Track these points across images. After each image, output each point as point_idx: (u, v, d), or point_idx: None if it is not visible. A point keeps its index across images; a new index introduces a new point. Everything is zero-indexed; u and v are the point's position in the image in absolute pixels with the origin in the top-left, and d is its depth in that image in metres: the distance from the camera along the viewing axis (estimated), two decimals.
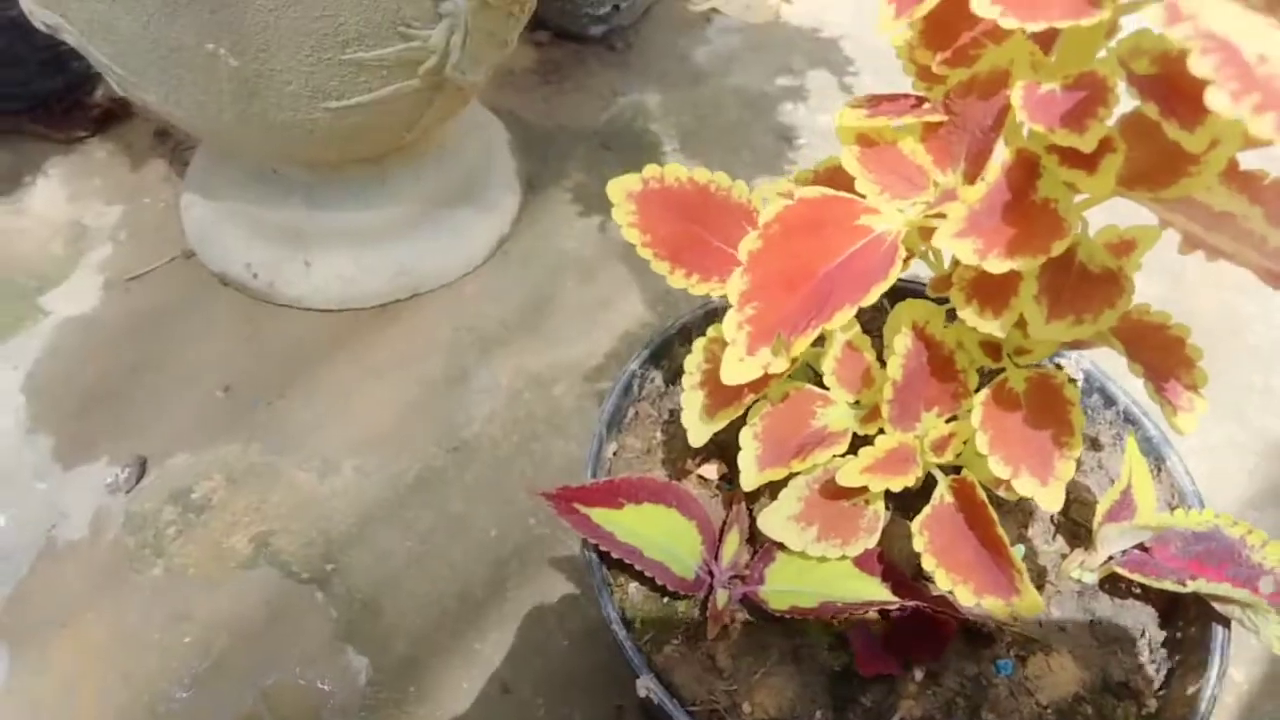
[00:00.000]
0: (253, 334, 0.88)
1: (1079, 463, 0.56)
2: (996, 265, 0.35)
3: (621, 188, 0.49)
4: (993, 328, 0.38)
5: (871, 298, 0.37)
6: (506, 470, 0.80)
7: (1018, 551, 0.47)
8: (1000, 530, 0.41)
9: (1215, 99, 0.24)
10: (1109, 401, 0.59)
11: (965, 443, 0.44)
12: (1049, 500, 0.39)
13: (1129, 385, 0.58)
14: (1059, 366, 0.60)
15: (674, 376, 0.61)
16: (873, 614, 0.48)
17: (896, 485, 0.43)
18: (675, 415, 0.59)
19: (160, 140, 1.04)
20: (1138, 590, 0.52)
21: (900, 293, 0.47)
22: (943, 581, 0.42)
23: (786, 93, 1.18)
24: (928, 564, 0.42)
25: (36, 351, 0.85)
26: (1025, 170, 0.36)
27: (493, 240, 0.96)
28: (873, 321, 0.54)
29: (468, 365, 0.87)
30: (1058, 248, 0.35)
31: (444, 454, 0.81)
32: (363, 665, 0.69)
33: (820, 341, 0.49)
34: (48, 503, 0.76)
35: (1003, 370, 0.43)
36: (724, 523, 0.50)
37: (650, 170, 0.49)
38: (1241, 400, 0.88)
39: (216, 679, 0.67)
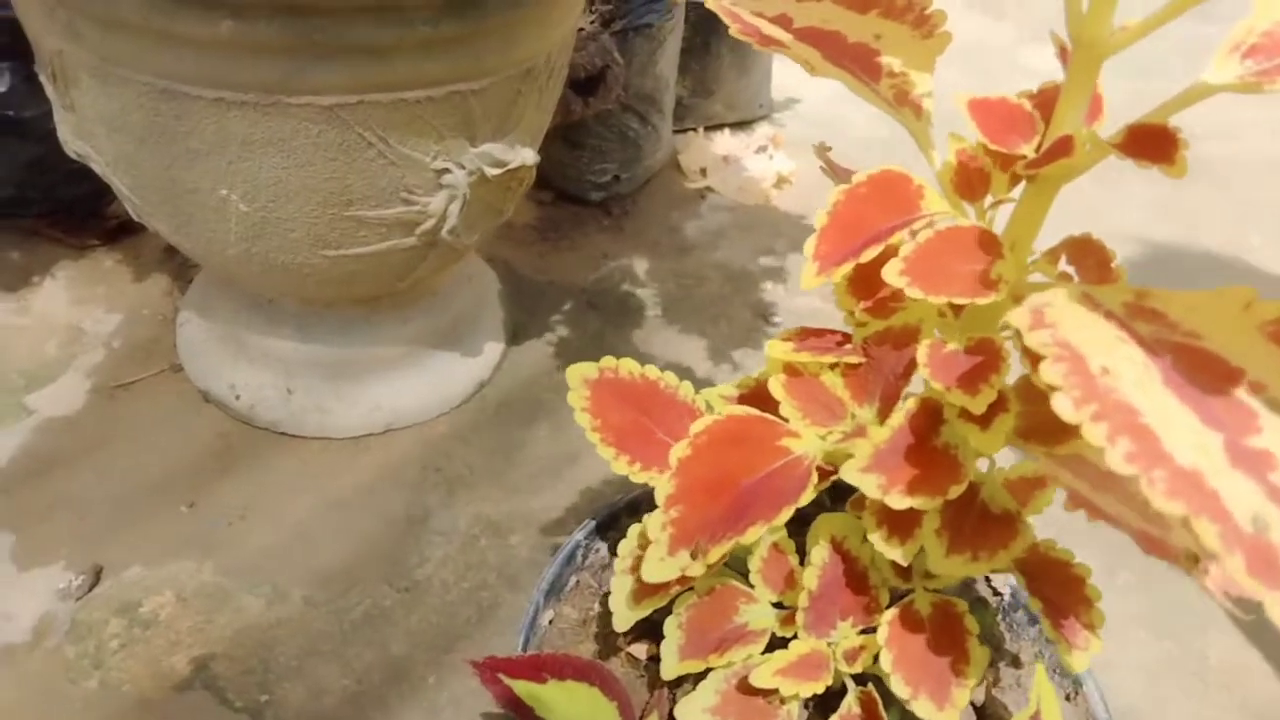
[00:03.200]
0: (225, 452, 0.91)
1: (997, 679, 0.58)
2: (897, 501, 0.39)
3: (579, 374, 0.53)
4: (897, 555, 0.41)
5: (782, 518, 0.40)
6: (452, 617, 0.81)
7: None
8: None
9: (1059, 404, 0.28)
10: (1033, 619, 0.61)
11: (875, 657, 0.46)
12: None
13: None
14: (988, 580, 0.63)
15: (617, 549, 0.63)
16: None
17: (807, 691, 0.45)
18: None
19: (168, 256, 1.09)
20: None
21: (837, 489, 0.50)
22: None
23: (768, 272, 1.24)
24: None
25: (13, 449, 0.87)
26: (929, 417, 0.40)
27: (471, 385, 1.00)
28: (800, 526, 0.57)
29: (430, 505, 0.89)
30: (954, 491, 0.39)
31: (394, 593, 0.82)
32: None
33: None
34: None
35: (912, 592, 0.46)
36: (645, 706, 0.52)
37: (607, 362, 0.53)
38: (1179, 619, 0.89)
39: None
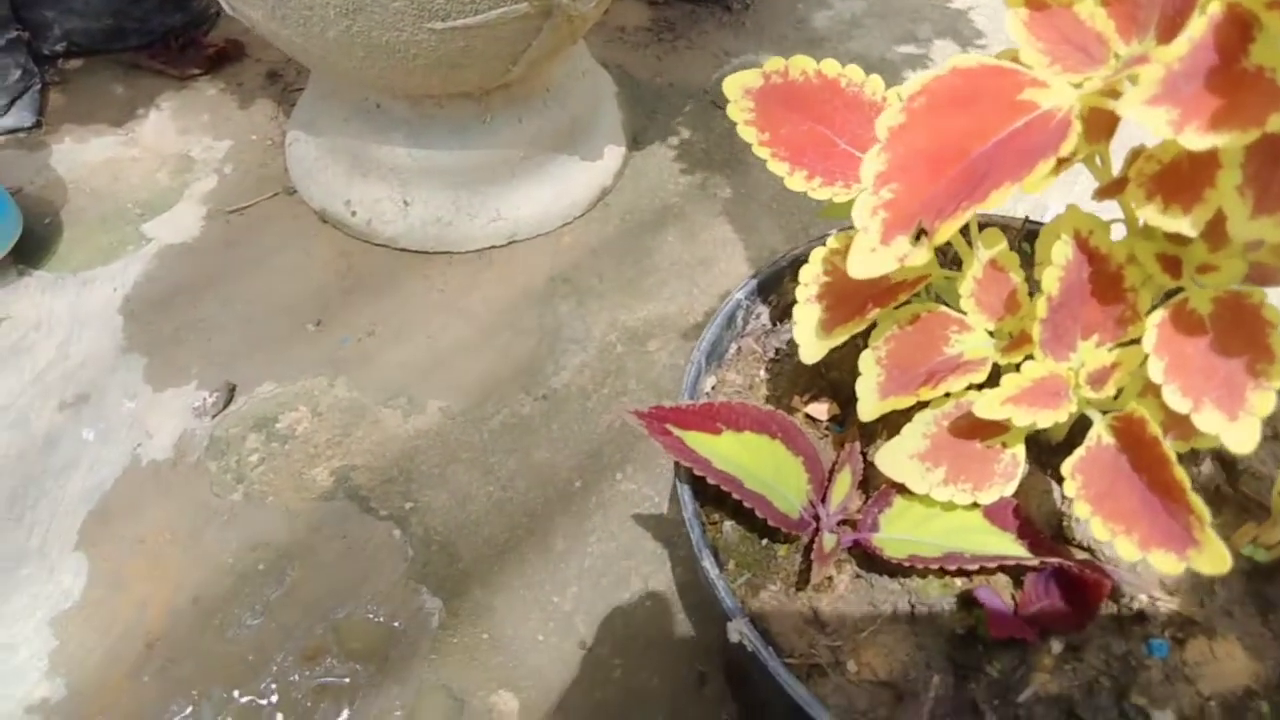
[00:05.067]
0: (347, 270, 0.87)
1: None
2: (1196, 140, 0.29)
3: (739, 84, 0.44)
4: (1181, 225, 0.32)
5: (1036, 176, 0.31)
6: (594, 422, 0.76)
7: None
8: (1179, 471, 0.34)
9: None
10: None
11: (1130, 376, 0.38)
12: (1240, 439, 0.33)
13: None
14: None
15: (782, 314, 0.56)
16: (1002, 576, 0.42)
17: (1045, 421, 0.37)
18: (781, 353, 0.54)
19: (271, 81, 1.04)
20: None
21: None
22: (1100, 531, 0.36)
23: (909, 60, 1.11)
24: (1081, 511, 0.36)
25: (137, 275, 0.85)
26: (1236, 30, 0.30)
27: (594, 191, 0.92)
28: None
29: (561, 315, 0.84)
30: (1275, 122, 0.29)
31: (531, 401, 0.77)
32: (436, 607, 0.65)
33: (957, 264, 0.43)
34: (135, 421, 0.75)
35: (1180, 291, 0.37)
36: (834, 463, 0.45)
37: (773, 64, 0.45)
38: None
39: (287, 608, 0.65)
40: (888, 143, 0.33)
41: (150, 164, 0.95)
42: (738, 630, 0.39)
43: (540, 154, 0.89)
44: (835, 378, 0.49)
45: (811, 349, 0.41)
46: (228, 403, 0.77)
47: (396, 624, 0.64)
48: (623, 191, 0.95)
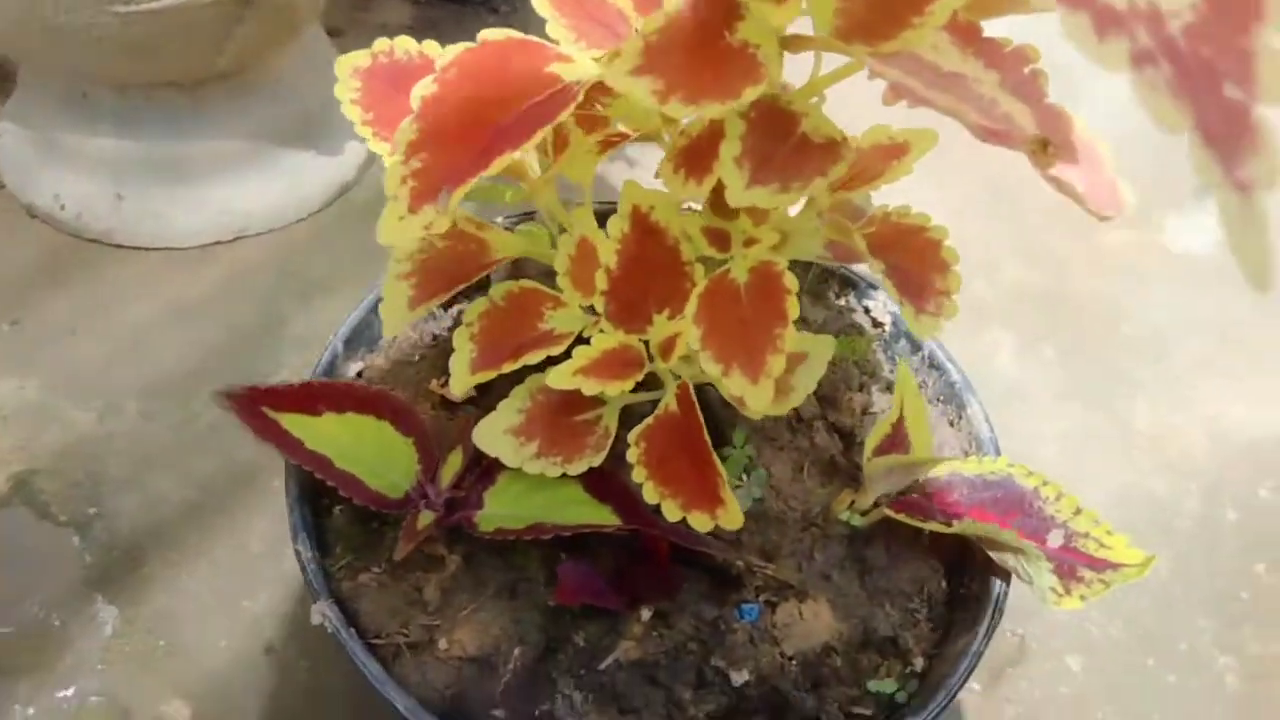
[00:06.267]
0: (54, 268, 0.82)
1: (867, 406, 0.52)
2: (679, 110, 0.30)
3: (349, 63, 0.44)
4: (691, 193, 0.33)
5: (535, 140, 0.32)
6: None
7: (759, 477, 0.42)
8: (705, 436, 0.36)
9: None
10: (915, 347, 0.54)
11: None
12: (757, 400, 0.34)
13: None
14: (867, 310, 0.56)
15: (446, 302, 0.55)
16: (602, 549, 0.43)
17: (613, 390, 0.38)
18: (439, 339, 0.54)
19: None
20: (922, 542, 0.47)
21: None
22: (650, 495, 0.37)
23: None
24: (638, 476, 0.37)
25: None
26: (720, 6, 0.31)
27: (333, 186, 0.90)
28: None
29: (286, 313, 0.81)
30: (750, 93, 0.31)
31: None
32: (111, 616, 0.62)
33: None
34: None
35: None
36: (449, 442, 0.45)
37: (380, 44, 0.44)
38: (1111, 391, 0.84)
39: None
40: (419, 112, 0.34)
41: None
42: (320, 612, 0.38)
43: (270, 147, 0.86)
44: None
45: (392, 323, 0.41)
46: None
47: (66, 634, 0.61)
48: (367, 187, 0.93)
